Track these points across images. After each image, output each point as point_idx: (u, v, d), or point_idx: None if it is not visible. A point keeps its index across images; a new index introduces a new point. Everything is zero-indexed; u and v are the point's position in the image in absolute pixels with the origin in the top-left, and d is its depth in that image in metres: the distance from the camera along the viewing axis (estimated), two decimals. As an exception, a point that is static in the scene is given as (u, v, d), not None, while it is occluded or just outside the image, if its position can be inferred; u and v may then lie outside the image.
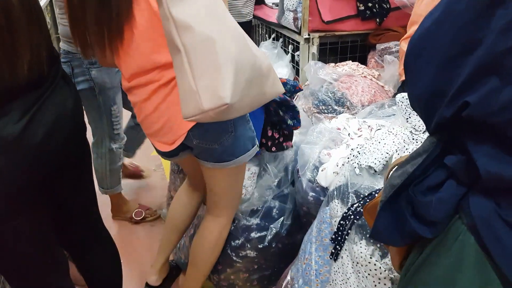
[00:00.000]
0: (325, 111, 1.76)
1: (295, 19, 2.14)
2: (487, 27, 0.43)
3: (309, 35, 2.08)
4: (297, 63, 2.33)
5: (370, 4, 2.10)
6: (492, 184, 0.47)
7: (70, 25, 1.08)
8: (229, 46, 0.88)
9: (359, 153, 1.22)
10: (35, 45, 0.87)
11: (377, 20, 2.13)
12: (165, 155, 1.23)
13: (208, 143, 1.12)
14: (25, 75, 0.84)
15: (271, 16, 2.58)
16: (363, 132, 1.43)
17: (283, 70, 2.38)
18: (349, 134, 1.43)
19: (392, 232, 0.59)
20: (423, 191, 0.55)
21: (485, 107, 0.45)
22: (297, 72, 2.38)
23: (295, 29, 2.17)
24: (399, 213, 0.58)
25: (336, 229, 1.13)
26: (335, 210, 1.17)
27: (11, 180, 0.86)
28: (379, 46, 2.08)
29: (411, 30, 1.73)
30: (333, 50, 2.25)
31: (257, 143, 1.23)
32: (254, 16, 2.81)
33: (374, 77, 1.94)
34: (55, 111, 0.91)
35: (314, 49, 2.11)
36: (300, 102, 1.87)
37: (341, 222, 1.12)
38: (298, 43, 2.18)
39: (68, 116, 0.96)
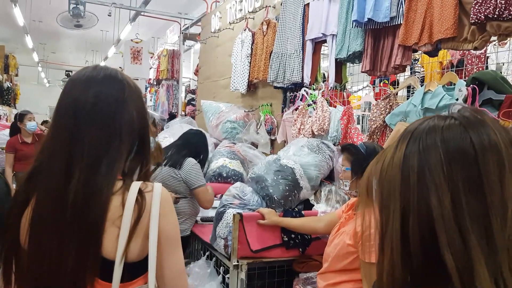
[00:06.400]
0: None
1: (226, 246, 2.32)
2: None
3: (238, 261, 2.23)
4: (228, 285, 2.40)
5: (293, 235, 2.35)
6: None
7: None
8: None
9: None
10: None
11: (300, 249, 2.36)
12: None
13: None
14: None
15: (206, 234, 2.76)
16: None
17: (214, 292, 2.42)
18: None
19: None
20: None
21: None
22: (227, 294, 2.43)
23: (226, 255, 2.33)
24: None
25: None
26: None
27: None
28: (302, 275, 2.24)
29: (325, 266, 1.92)
30: (261, 274, 2.37)
31: None
32: (191, 232, 2.99)
33: (298, 307, 2.03)
34: None
35: (243, 275, 2.23)
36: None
37: None
38: (229, 267, 2.31)
39: None
